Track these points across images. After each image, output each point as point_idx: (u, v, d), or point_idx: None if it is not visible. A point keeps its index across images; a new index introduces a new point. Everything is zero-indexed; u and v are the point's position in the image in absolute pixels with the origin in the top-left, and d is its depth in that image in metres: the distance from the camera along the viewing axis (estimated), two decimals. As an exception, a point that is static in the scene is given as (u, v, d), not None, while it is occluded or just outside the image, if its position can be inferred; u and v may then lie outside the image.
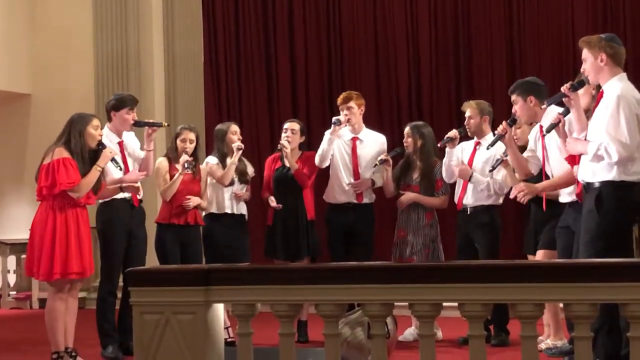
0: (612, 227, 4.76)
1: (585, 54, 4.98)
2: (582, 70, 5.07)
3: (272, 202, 7.02)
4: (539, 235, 6.33)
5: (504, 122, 5.88)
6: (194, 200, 6.73)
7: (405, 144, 7.00)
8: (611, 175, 4.79)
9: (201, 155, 7.19)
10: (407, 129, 7.02)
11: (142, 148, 6.72)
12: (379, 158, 6.94)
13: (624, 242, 4.82)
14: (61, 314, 5.95)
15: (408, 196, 6.89)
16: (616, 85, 4.86)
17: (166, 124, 6.90)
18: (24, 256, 10.37)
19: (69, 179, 5.83)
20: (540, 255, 6.22)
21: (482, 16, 9.67)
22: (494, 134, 6.67)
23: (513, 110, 6.04)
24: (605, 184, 4.81)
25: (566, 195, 5.63)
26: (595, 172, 4.85)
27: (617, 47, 4.95)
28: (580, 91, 5.54)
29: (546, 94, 5.99)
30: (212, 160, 7.03)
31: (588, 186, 4.92)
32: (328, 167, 7.09)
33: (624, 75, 4.95)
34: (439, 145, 6.84)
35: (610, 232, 4.75)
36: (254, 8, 10.45)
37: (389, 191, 7.06)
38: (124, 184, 6.37)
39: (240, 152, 6.90)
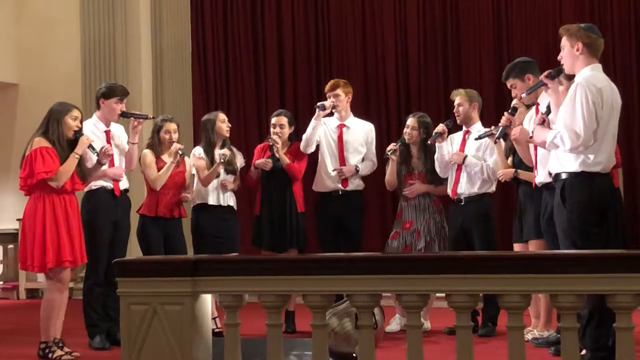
0: (579, 219, 4.76)
1: (564, 41, 4.98)
2: (559, 57, 5.07)
3: (261, 161, 6.97)
4: (522, 223, 6.36)
5: (505, 114, 5.83)
6: (189, 197, 6.79)
7: (408, 135, 6.97)
8: (573, 166, 4.81)
9: (185, 145, 7.16)
10: (412, 121, 6.96)
11: (128, 141, 6.71)
12: (389, 149, 6.93)
13: (594, 233, 4.77)
14: (58, 306, 5.95)
15: (419, 187, 6.88)
16: (582, 75, 4.86)
17: (151, 117, 6.86)
18: (10, 246, 10.38)
19: (45, 168, 5.82)
20: (533, 246, 6.23)
21: (470, 4, 9.67)
22: (483, 125, 6.70)
23: (513, 93, 6.00)
24: (569, 175, 4.83)
25: (542, 176, 5.63)
26: (561, 164, 4.88)
27: (595, 38, 4.92)
28: (562, 88, 5.56)
29: (538, 68, 6.00)
30: (197, 151, 7.00)
31: (556, 177, 4.96)
32: (317, 157, 7.10)
33: (597, 65, 4.92)
34: (429, 142, 6.82)
35: (578, 224, 4.76)
36: (242, -2, 10.44)
37: (393, 184, 7.03)
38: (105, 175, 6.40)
39: (223, 162, 6.81)
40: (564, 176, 4.86)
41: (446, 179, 6.89)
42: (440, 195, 6.96)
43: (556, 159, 4.93)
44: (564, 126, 4.77)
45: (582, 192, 4.79)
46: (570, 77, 5.36)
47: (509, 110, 5.91)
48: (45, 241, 5.84)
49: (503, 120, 5.87)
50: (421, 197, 6.89)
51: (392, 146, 6.96)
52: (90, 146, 6.14)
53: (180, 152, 6.69)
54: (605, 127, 4.82)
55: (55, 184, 5.88)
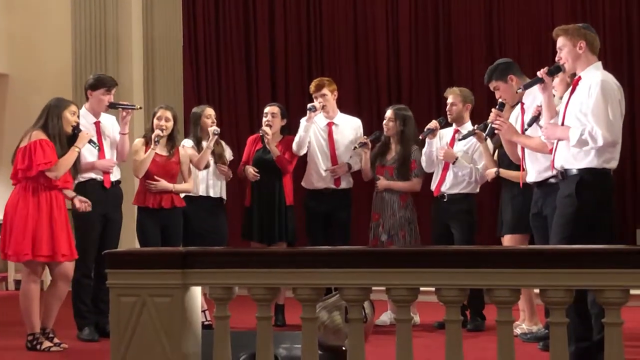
0: (589, 214, 4.78)
1: (562, 42, 5.00)
2: (557, 59, 5.09)
3: (250, 170, 6.99)
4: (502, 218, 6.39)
5: (493, 110, 5.82)
6: (160, 185, 6.61)
7: (385, 127, 7.01)
8: (593, 162, 4.80)
9: (180, 139, 7.14)
10: (389, 113, 7.02)
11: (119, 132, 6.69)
12: (358, 141, 6.98)
13: (603, 229, 4.81)
14: (36, 296, 5.96)
15: (381, 183, 6.92)
16: (595, 73, 4.89)
17: (139, 107, 6.83)
18: (-1, 238, 10.34)
19: (45, 159, 5.83)
20: (507, 241, 6.25)
21: (463, 2, 9.68)
22: (474, 124, 6.70)
23: (497, 95, 6.03)
24: (586, 171, 4.82)
25: (534, 174, 5.63)
26: (577, 159, 4.85)
27: (594, 36, 4.99)
28: (556, 80, 5.56)
29: (519, 68, 6.02)
30: (188, 143, 6.99)
31: (565, 173, 4.93)
32: (305, 154, 7.11)
33: (599, 63, 4.98)
34: (420, 137, 6.86)
35: (586, 219, 4.78)
36: (235, -9, 10.41)
37: (367, 175, 7.11)
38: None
39: (216, 136, 6.86)
40: (575, 172, 4.85)
41: (416, 175, 6.90)
42: (409, 191, 6.95)
43: (568, 153, 4.90)
44: (595, 124, 4.75)
45: (599, 188, 4.82)
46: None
47: (497, 107, 5.91)
48: (25, 232, 5.84)
49: (491, 116, 5.87)
50: (387, 191, 6.91)
51: (362, 139, 6.99)
52: (91, 140, 6.16)
53: (156, 138, 6.60)
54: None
55: (54, 174, 5.88)
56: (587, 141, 4.76)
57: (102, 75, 6.83)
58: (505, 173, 6.25)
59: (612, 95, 4.79)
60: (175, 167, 6.74)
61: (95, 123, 6.52)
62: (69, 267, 6.07)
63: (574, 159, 4.88)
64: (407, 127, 6.94)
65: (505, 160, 6.23)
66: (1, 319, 7.77)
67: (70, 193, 6.16)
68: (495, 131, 5.73)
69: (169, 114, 6.72)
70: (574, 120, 4.86)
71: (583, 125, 4.79)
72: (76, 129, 6.07)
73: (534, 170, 5.61)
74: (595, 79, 4.83)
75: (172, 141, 6.74)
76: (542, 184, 5.56)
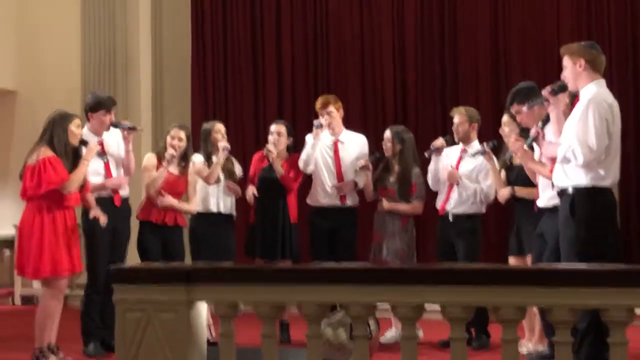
0: (588, 233, 4.79)
1: (566, 60, 5.04)
2: (562, 77, 5.11)
3: (251, 190, 7.02)
4: (521, 237, 6.35)
5: (514, 135, 5.78)
6: (166, 200, 6.64)
7: (384, 148, 7.02)
8: (583, 180, 4.83)
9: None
10: (387, 133, 7.04)
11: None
12: (358, 164, 6.97)
13: (603, 247, 4.80)
14: (55, 313, 5.96)
15: (385, 205, 6.91)
16: (591, 90, 4.91)
17: (140, 128, 6.85)
18: (8, 253, 10.36)
19: (57, 176, 5.86)
20: (530, 260, 6.24)
21: (468, 21, 9.68)
22: (480, 143, 6.71)
23: (518, 119, 6.02)
24: (578, 189, 4.85)
25: (544, 200, 5.64)
26: (569, 177, 4.90)
27: (597, 54, 5.00)
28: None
29: (539, 93, 6.01)
30: (197, 158, 7.01)
31: (562, 192, 4.97)
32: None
33: (601, 81, 4.99)
34: (425, 154, 6.87)
35: (586, 238, 4.78)
36: (242, 9, 10.43)
37: (369, 195, 7.10)
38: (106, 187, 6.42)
39: (226, 152, 6.89)
40: (571, 190, 4.88)
41: (416, 198, 6.90)
42: (410, 214, 6.95)
43: (563, 173, 4.94)
44: (576, 141, 4.79)
45: (593, 206, 4.82)
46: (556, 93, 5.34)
47: (519, 132, 5.87)
48: (43, 250, 5.87)
49: (512, 140, 5.82)
50: (388, 212, 6.91)
51: (362, 162, 6.99)
52: (98, 153, 6.19)
53: (169, 157, 6.58)
54: (616, 143, 4.89)
55: (67, 190, 5.92)
56: (569, 159, 4.82)
57: (100, 96, 6.77)
58: (522, 191, 6.22)
59: (597, 113, 4.79)
60: (183, 185, 6.77)
61: (99, 142, 6.53)
62: (65, 282, 6.10)
63: (566, 177, 4.92)
64: (405, 147, 6.94)
65: (518, 182, 6.22)
66: (7, 334, 7.76)
67: (92, 202, 6.23)
68: (513, 154, 5.72)
69: (182, 134, 6.74)
70: (567, 138, 4.89)
71: (570, 142, 4.83)
72: (82, 142, 6.10)
73: (545, 196, 5.62)
74: (585, 97, 4.86)
75: (184, 161, 6.77)
76: (551, 209, 5.56)
